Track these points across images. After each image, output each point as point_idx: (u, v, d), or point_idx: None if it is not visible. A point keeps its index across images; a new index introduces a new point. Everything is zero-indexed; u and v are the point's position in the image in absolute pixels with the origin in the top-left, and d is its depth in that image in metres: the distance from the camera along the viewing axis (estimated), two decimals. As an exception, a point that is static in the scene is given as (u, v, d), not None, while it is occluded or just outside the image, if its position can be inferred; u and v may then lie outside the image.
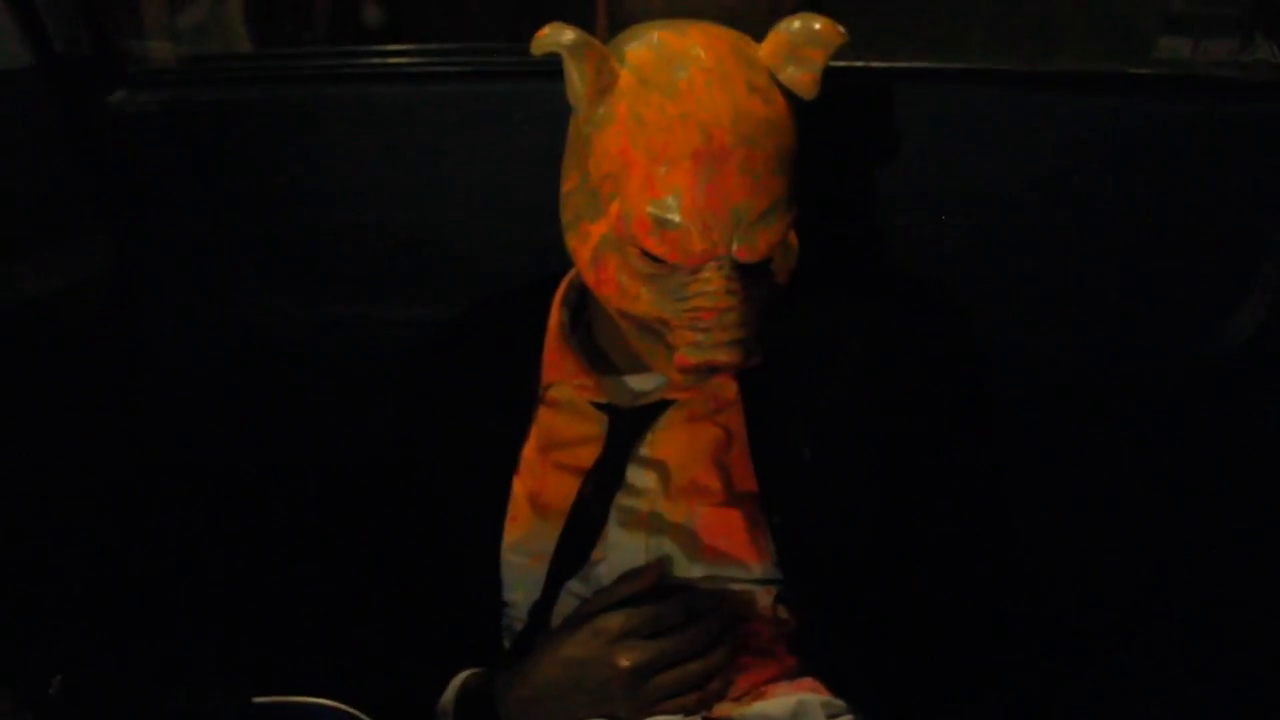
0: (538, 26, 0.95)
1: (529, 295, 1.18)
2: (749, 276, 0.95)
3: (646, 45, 0.95)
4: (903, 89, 1.28)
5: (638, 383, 1.11)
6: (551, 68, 0.95)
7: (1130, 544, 1.35)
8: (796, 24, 0.96)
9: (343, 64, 1.45)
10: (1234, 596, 1.36)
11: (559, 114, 1.02)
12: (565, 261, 1.08)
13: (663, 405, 1.09)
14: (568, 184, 1.01)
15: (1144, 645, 1.37)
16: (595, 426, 1.10)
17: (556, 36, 0.92)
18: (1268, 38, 1.35)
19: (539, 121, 1.29)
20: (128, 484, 1.45)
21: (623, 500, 1.07)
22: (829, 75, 0.97)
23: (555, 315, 1.14)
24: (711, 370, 0.96)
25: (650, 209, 0.92)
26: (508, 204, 1.36)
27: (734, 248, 0.93)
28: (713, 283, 0.93)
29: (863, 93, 1.27)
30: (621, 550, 1.06)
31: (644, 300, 0.96)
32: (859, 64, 1.27)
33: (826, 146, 1.01)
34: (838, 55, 0.96)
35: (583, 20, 0.99)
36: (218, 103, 1.41)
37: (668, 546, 1.06)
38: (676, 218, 0.91)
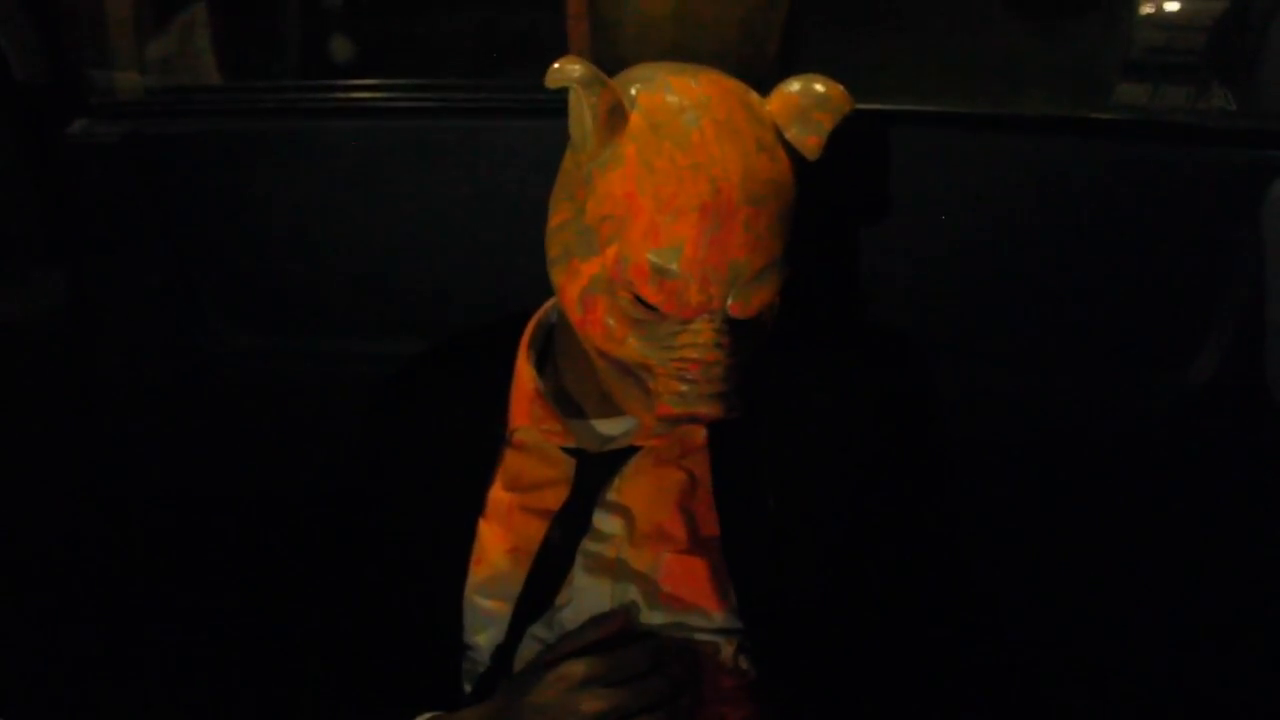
0: (508, 60, 0.94)
1: (495, 334, 1.17)
2: (737, 331, 0.95)
3: (659, 90, 0.95)
4: (865, 131, 1.26)
5: (606, 427, 1.10)
6: (521, 105, 0.94)
7: (1099, 589, 1.36)
8: (801, 85, 0.97)
9: (306, 98, 1.45)
10: (1203, 632, 1.37)
11: (527, 151, 1.01)
12: (530, 300, 1.08)
13: (631, 450, 1.08)
14: (557, 218, 1.00)
15: (1114, 689, 1.37)
16: (562, 470, 1.09)
17: (569, 71, 0.92)
18: (1222, 84, 1.37)
19: (506, 158, 1.31)
20: (83, 521, 1.42)
21: (589, 545, 1.06)
22: None
23: (523, 360, 1.13)
24: (692, 420, 0.97)
25: (651, 257, 0.92)
26: (473, 240, 1.35)
27: (729, 303, 0.93)
28: (703, 335, 0.93)
29: (834, 137, 1.27)
30: (586, 595, 1.05)
31: (630, 345, 0.96)
32: None
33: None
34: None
35: (553, 55, 0.98)
36: (178, 135, 1.40)
37: (632, 593, 1.05)
38: (676, 268, 0.91)
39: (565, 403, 1.12)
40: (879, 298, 1.32)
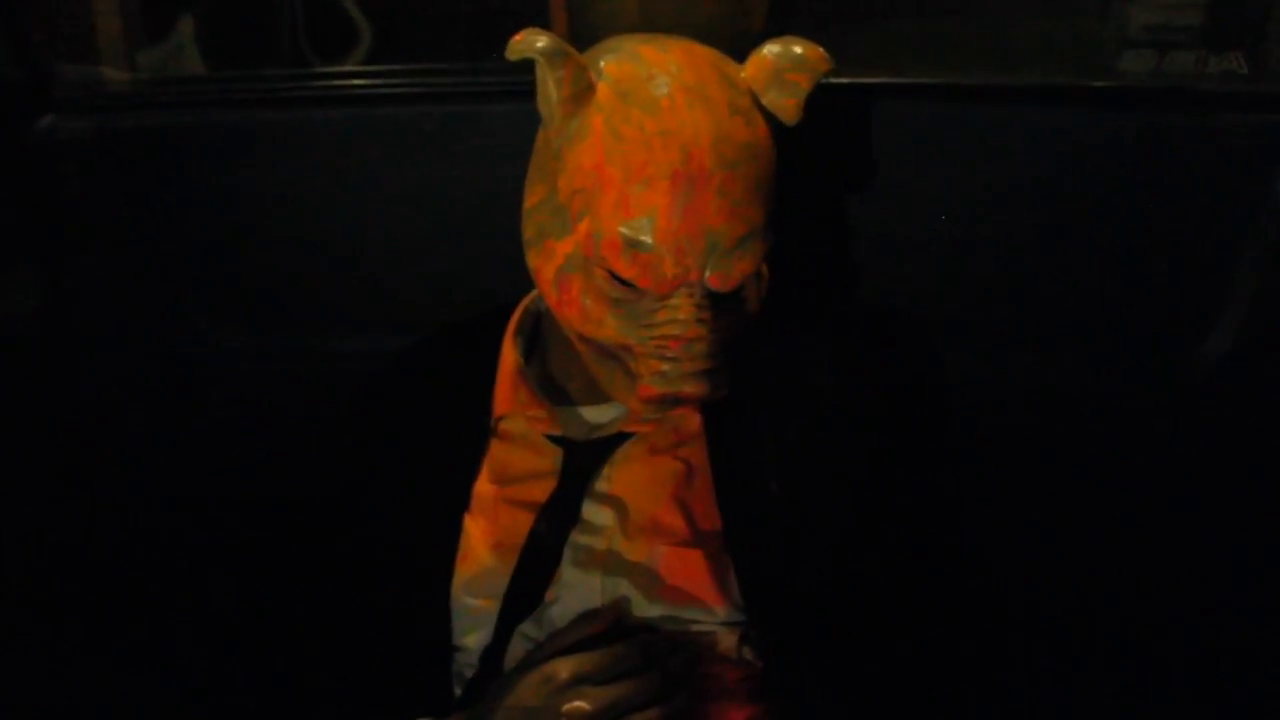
0: (491, 46, 0.92)
1: (481, 324, 1.14)
2: (719, 306, 0.92)
3: (626, 58, 0.92)
4: (863, 105, 1.25)
5: (594, 414, 1.07)
6: (506, 89, 0.92)
7: (1110, 574, 1.32)
8: (779, 48, 0.94)
9: (285, 87, 1.42)
10: (1209, 624, 1.33)
11: (513, 137, 0.99)
12: (519, 289, 1.05)
13: (620, 438, 1.05)
14: (532, 198, 0.97)
15: (1121, 680, 1.33)
16: (549, 460, 1.06)
17: (532, 42, 0.89)
18: (1232, 49, 1.33)
19: (492, 145, 1.28)
20: (65, 528, 1.39)
21: (578, 538, 1.03)
22: None
23: (509, 344, 1.10)
24: (676, 401, 0.94)
25: (622, 229, 0.89)
26: (459, 231, 1.32)
27: (707, 275, 0.90)
28: (682, 310, 0.90)
29: (826, 112, 1.23)
30: (576, 591, 1.02)
31: (608, 325, 0.93)
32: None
33: (790, 168, 0.98)
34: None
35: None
36: (152, 128, 1.36)
37: (625, 587, 1.01)
38: (649, 240, 0.88)
39: (552, 390, 1.09)
40: (880, 276, 1.28)
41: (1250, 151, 1.22)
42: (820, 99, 1.21)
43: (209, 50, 1.71)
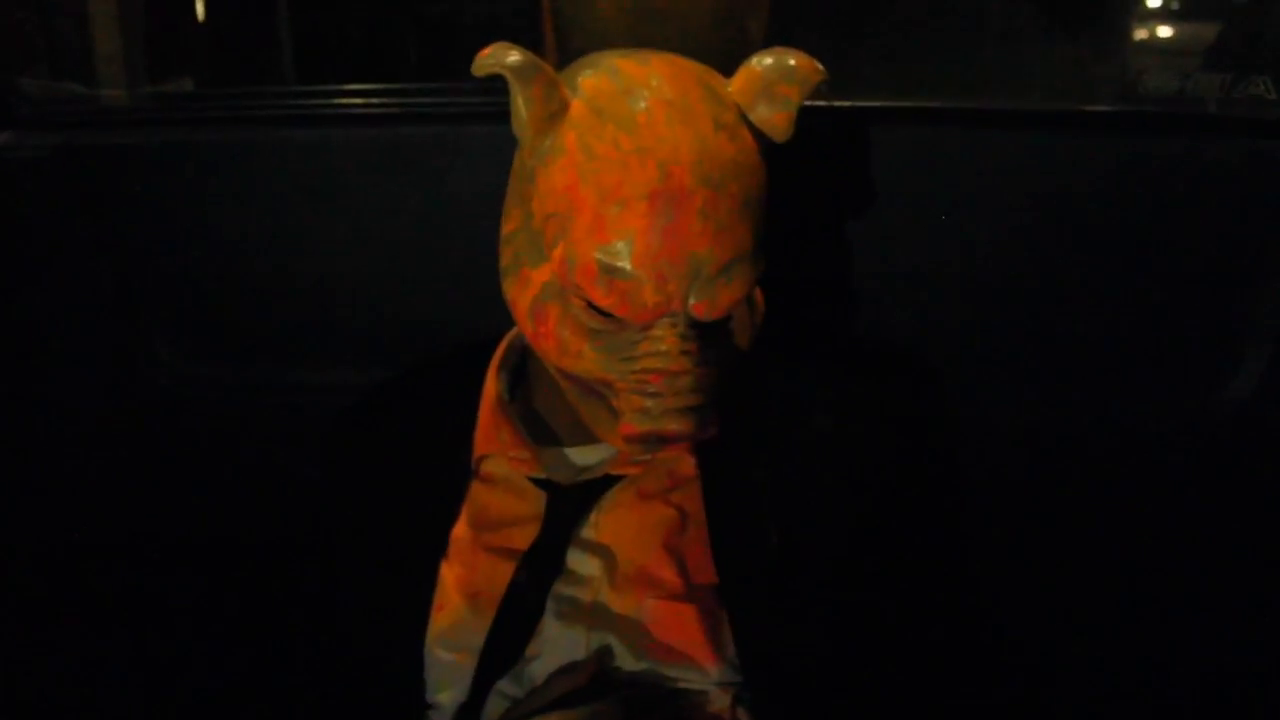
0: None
1: (463, 357, 1.09)
2: (706, 337, 0.86)
3: (603, 73, 0.87)
4: (870, 129, 1.21)
5: (581, 456, 1.01)
6: (484, 110, 0.87)
7: (1125, 628, 1.28)
8: (769, 59, 0.88)
9: (255, 105, 1.38)
10: (1233, 660, 1.29)
11: (497, 160, 0.94)
12: (505, 320, 0.99)
13: (609, 482, 1.00)
14: (509, 225, 0.92)
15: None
16: (532, 505, 1.00)
17: (501, 57, 0.84)
18: (1261, 72, 1.30)
19: (475, 168, 1.24)
20: (13, 564, 1.35)
21: (561, 589, 0.98)
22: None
23: (492, 379, 1.05)
24: (660, 440, 0.87)
25: (598, 255, 0.83)
26: (439, 258, 1.28)
27: (691, 303, 0.84)
28: (665, 341, 0.84)
29: (830, 136, 1.20)
30: (559, 646, 0.96)
31: (587, 358, 0.88)
32: (822, 103, 1.21)
33: (789, 195, 0.93)
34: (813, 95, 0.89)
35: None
36: (115, 147, 1.32)
37: (611, 643, 0.96)
38: (627, 265, 0.83)
39: (537, 428, 1.03)
40: (885, 309, 1.24)
41: (1274, 179, 1.19)
42: (826, 121, 1.17)
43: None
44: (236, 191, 1.30)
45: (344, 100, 1.35)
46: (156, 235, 1.33)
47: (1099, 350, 1.25)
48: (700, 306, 0.84)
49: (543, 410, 1.04)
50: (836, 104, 1.22)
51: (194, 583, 1.33)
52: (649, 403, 0.85)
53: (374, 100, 1.33)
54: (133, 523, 1.38)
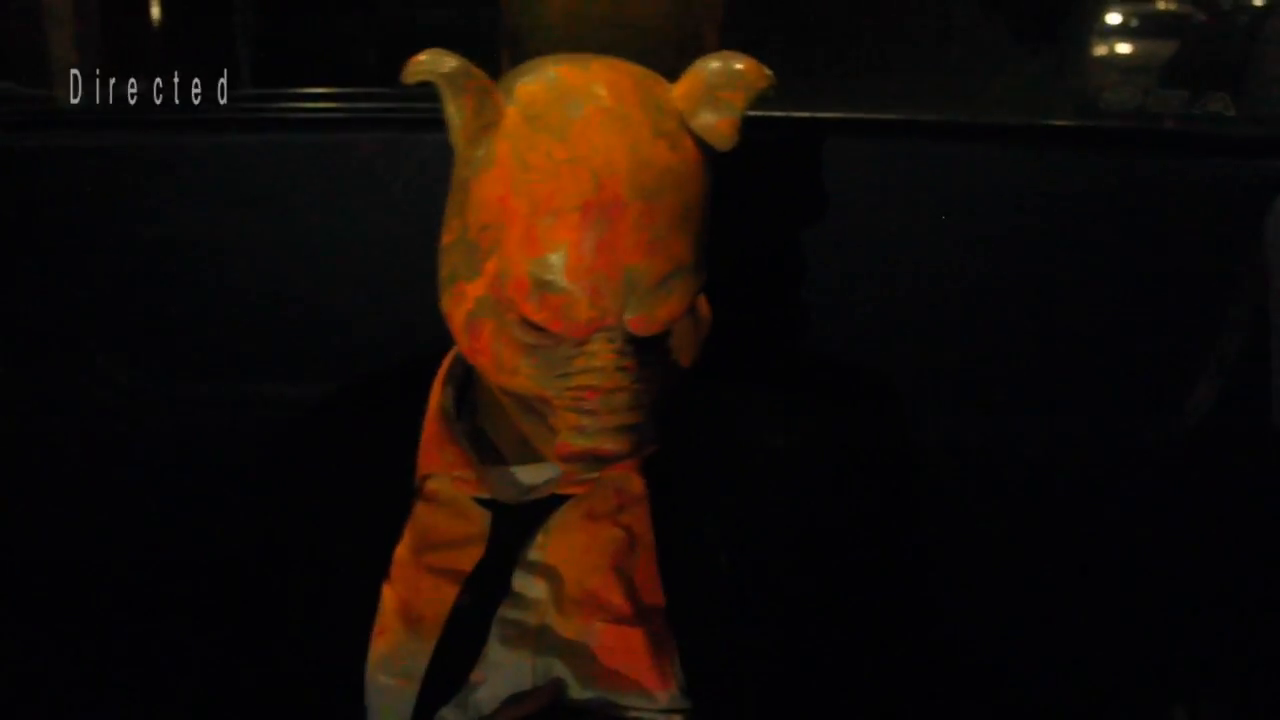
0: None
1: (409, 372, 1.06)
2: (645, 352, 0.85)
3: (540, 80, 0.85)
4: (834, 142, 1.20)
5: (527, 475, 0.99)
6: (437, 116, 0.86)
7: (1090, 647, 1.26)
8: (715, 63, 0.86)
9: (199, 108, 1.35)
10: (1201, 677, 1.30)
11: (447, 167, 0.93)
12: None
13: (556, 501, 0.97)
14: (447, 236, 0.90)
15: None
16: (477, 525, 0.97)
17: (432, 64, 0.83)
18: (1220, 89, 1.31)
19: (428, 176, 1.20)
20: None
21: (507, 612, 0.95)
22: (750, 125, 0.88)
23: (436, 394, 1.02)
24: (597, 460, 0.86)
25: (530, 268, 0.82)
26: (389, 267, 1.25)
27: (627, 318, 0.83)
28: (600, 357, 0.83)
29: (789, 147, 1.19)
30: (504, 671, 0.93)
31: (523, 374, 0.86)
32: (781, 114, 1.20)
33: (742, 205, 0.91)
34: (761, 103, 0.87)
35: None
36: (55, 150, 1.29)
37: (558, 668, 0.93)
38: (560, 279, 0.81)
39: (483, 446, 1.00)
40: (839, 325, 1.23)
41: (1237, 197, 1.19)
42: (785, 132, 1.15)
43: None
44: (179, 199, 1.27)
45: (294, 105, 1.33)
46: (96, 246, 1.30)
47: (1056, 367, 1.25)
48: (637, 321, 0.83)
49: (488, 427, 1.01)
50: (796, 115, 1.21)
51: (135, 601, 1.29)
52: (585, 420, 0.84)
53: (325, 105, 1.31)
54: (74, 539, 1.33)
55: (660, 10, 1.10)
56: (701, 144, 0.86)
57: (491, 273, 0.84)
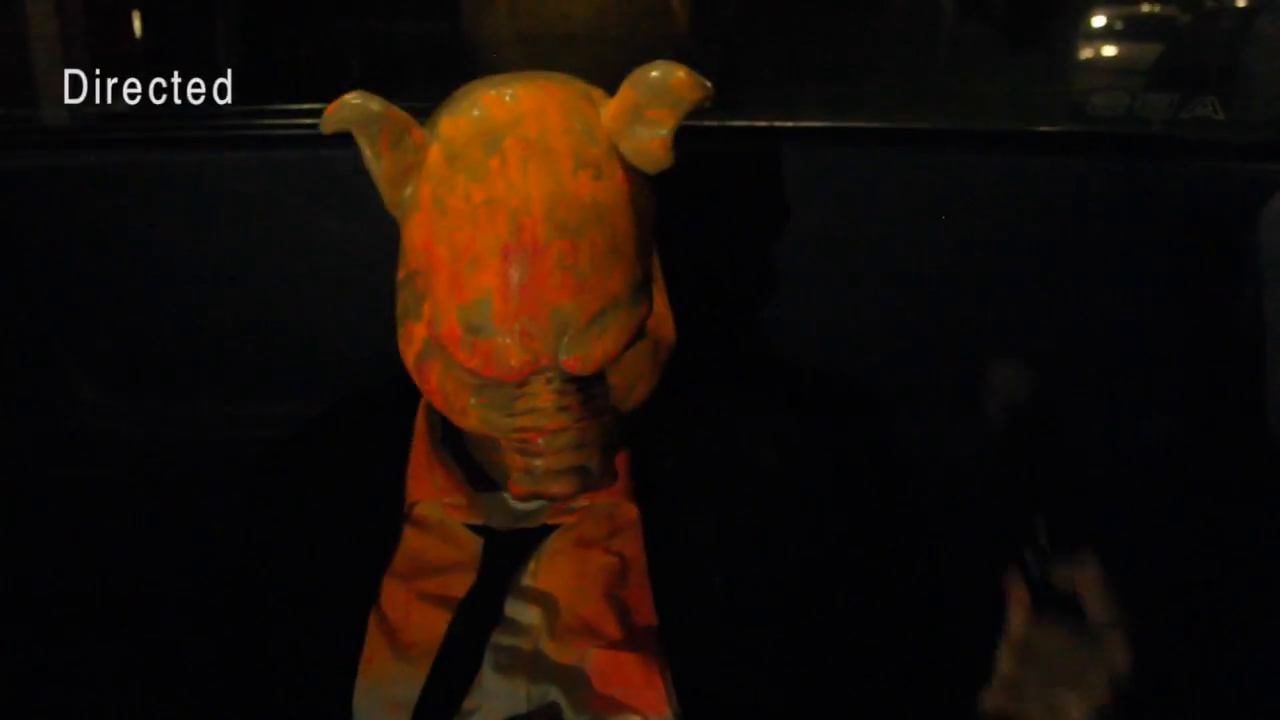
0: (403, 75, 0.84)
1: (396, 393, 1.03)
2: (589, 389, 0.84)
3: (463, 113, 0.85)
4: (815, 152, 1.19)
5: (519, 501, 0.97)
6: None
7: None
8: (643, 78, 0.84)
9: (177, 125, 1.32)
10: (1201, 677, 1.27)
11: None
12: None
13: (549, 528, 0.96)
14: (400, 272, 0.90)
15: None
16: (468, 552, 0.97)
17: (340, 114, 0.83)
18: (1208, 93, 1.30)
19: None
20: None
21: (500, 639, 0.94)
22: (735, 136, 0.85)
23: (421, 416, 1.01)
24: (552, 500, 0.87)
25: (459, 315, 0.82)
26: (372, 287, 1.21)
27: (561, 359, 0.82)
28: (540, 399, 0.83)
29: (766, 158, 1.17)
30: (498, 699, 0.92)
31: (473, 415, 0.87)
32: (762, 124, 1.18)
33: (725, 221, 0.90)
34: (705, 113, 0.84)
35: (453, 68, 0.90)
36: (28, 169, 1.28)
37: (553, 694, 0.92)
38: (489, 325, 0.81)
39: (473, 472, 0.99)
40: (827, 340, 1.23)
41: (1227, 200, 1.19)
42: (762, 143, 1.14)
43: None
44: (156, 217, 1.25)
45: (270, 121, 1.31)
46: (73, 264, 1.28)
47: (1047, 374, 1.20)
48: (572, 362, 0.82)
49: (476, 451, 1.00)
50: (776, 124, 1.20)
51: (115, 626, 1.27)
52: (536, 462, 0.84)
53: (303, 121, 1.29)
54: (50, 561, 1.31)
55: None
56: (633, 168, 0.85)
57: (427, 317, 0.84)
